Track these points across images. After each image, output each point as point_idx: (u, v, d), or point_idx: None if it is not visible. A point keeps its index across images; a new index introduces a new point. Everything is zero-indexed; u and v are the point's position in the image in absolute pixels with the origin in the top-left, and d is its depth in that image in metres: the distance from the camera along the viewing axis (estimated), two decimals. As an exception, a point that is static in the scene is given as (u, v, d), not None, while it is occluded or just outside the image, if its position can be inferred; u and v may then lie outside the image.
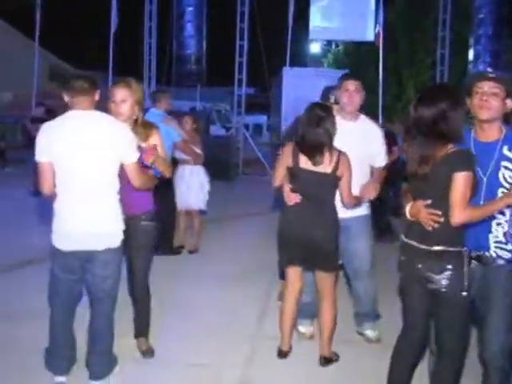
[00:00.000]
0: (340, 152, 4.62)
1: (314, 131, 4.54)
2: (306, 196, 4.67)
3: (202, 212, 8.96)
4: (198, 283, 7.03)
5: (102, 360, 4.32)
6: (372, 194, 5.12)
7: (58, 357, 4.36)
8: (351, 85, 5.12)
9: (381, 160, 5.34)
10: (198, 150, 8.42)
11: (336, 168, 4.58)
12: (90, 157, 3.99)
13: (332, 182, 4.65)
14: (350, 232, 5.12)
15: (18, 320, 5.56)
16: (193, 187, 8.55)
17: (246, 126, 24.67)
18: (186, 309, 6.14)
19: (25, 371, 4.57)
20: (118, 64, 21.28)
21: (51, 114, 14.18)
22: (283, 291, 6.06)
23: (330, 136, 4.58)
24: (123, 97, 4.51)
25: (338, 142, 4.64)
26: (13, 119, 25.87)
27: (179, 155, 8.31)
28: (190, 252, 8.66)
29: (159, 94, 8.24)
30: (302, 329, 5.47)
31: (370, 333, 5.48)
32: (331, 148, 4.60)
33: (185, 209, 8.72)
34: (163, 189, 7.37)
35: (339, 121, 4.81)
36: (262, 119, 35.31)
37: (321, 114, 4.58)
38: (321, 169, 4.57)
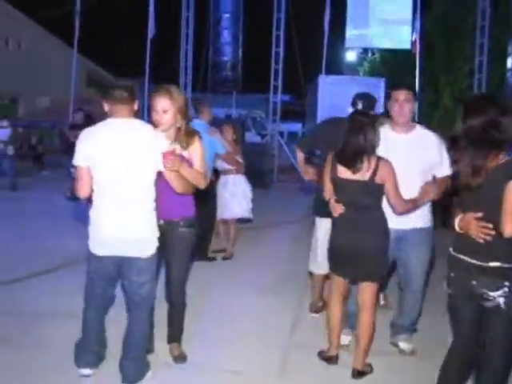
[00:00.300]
0: (379, 158, 4.52)
1: (355, 138, 4.47)
2: (349, 206, 4.59)
3: (248, 220, 9.14)
4: (232, 290, 7.00)
5: (136, 364, 4.33)
6: (429, 195, 4.75)
7: (87, 351, 4.44)
8: (401, 95, 4.90)
9: (444, 169, 4.84)
10: (240, 160, 8.49)
11: (374, 175, 4.48)
12: (127, 164, 4.03)
13: (373, 189, 4.54)
14: (407, 244, 4.99)
15: (53, 320, 5.60)
16: (236, 196, 8.63)
17: (281, 134, 24.65)
18: (220, 315, 6.13)
19: (59, 370, 4.60)
20: (155, 70, 21.43)
21: (89, 119, 14.34)
22: (316, 301, 6.02)
23: (371, 144, 4.48)
24: (164, 107, 4.42)
25: (391, 156, 4.54)
26: (50, 124, 26.24)
27: (221, 165, 8.41)
28: (224, 258, 8.65)
29: (200, 104, 8.28)
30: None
31: (404, 345, 5.29)
32: (370, 156, 4.50)
33: (229, 217, 8.74)
34: (204, 196, 7.45)
35: (389, 133, 4.76)
36: (297, 127, 35.24)
37: (363, 121, 4.52)
38: (359, 177, 4.49)
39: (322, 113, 19.09)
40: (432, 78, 27.95)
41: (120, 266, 4.20)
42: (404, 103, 4.85)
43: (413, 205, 4.71)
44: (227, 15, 21.04)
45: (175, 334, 4.93)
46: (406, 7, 20.55)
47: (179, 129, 4.52)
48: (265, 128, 22.80)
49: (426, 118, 24.58)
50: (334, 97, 19.73)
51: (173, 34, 23.61)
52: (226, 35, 21.21)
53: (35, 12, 29.68)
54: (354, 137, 4.48)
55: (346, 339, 5.25)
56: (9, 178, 15.43)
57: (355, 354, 4.79)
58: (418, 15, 20.24)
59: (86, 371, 4.42)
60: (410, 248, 5.00)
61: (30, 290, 6.66)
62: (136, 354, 4.35)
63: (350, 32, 21.11)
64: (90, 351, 4.44)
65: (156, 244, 4.26)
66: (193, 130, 4.62)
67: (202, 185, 4.52)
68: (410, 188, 4.64)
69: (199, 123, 7.66)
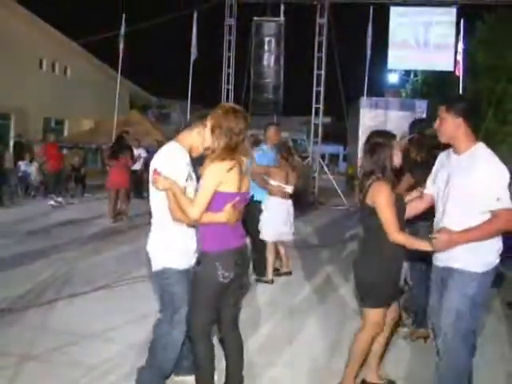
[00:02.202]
0: (378, 178, 4.32)
1: (366, 159, 4.39)
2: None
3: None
4: (271, 310, 6.96)
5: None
6: (440, 245, 4.02)
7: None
8: (438, 110, 4.30)
9: (491, 202, 3.92)
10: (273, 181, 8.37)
11: (365, 195, 4.34)
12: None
13: (364, 211, 4.40)
14: (443, 285, 4.23)
15: (91, 342, 5.63)
16: (282, 218, 8.48)
17: (322, 156, 24.61)
18: (259, 335, 6.06)
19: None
20: (197, 93, 21.65)
21: (120, 141, 14.64)
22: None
23: (382, 164, 4.33)
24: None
25: (441, 178, 4.30)
26: (93, 146, 26.68)
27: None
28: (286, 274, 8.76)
29: (266, 128, 8.78)
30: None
31: None
32: (379, 176, 4.33)
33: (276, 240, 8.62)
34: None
35: (449, 154, 4.33)
36: (339, 149, 35.17)
37: (376, 141, 4.39)
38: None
39: (364, 135, 19.03)
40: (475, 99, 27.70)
41: None
42: (439, 120, 4.20)
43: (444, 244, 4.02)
44: (269, 38, 21.16)
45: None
46: (450, 29, 20.43)
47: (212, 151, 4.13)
48: (306, 150, 22.76)
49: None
50: (375, 118, 19.69)
51: (215, 56, 23.88)
52: (268, 58, 21.31)
53: (81, 37, 30.29)
54: (367, 157, 4.40)
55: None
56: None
57: None
58: (461, 37, 20.10)
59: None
60: (444, 290, 4.23)
61: (68, 308, 6.72)
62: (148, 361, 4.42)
63: (392, 54, 21.06)
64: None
65: (160, 262, 4.27)
66: (212, 155, 4.05)
67: (184, 218, 4.06)
68: (448, 214, 4.14)
69: (262, 147, 8.32)
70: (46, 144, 18.39)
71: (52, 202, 16.51)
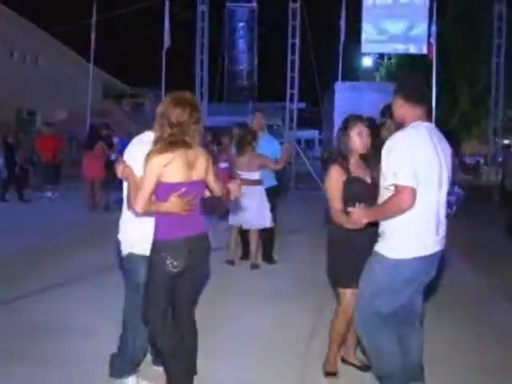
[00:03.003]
0: (333, 162, 4.64)
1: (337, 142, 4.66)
2: None
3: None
4: (250, 297, 6.96)
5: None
6: (352, 221, 4.06)
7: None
8: None
9: (389, 176, 3.83)
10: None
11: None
12: None
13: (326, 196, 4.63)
14: None
15: (71, 333, 5.59)
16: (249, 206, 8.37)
17: (298, 141, 24.63)
18: (239, 323, 6.07)
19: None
20: (171, 81, 21.53)
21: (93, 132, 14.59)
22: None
23: (338, 148, 4.62)
24: None
25: None
26: (66, 136, 26.37)
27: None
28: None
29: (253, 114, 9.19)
30: None
31: None
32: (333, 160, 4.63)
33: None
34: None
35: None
36: (314, 134, 35.20)
37: (340, 126, 4.64)
38: None
39: (339, 119, 19.03)
40: (448, 81, 27.85)
41: None
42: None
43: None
44: (242, 24, 21.10)
45: None
46: (422, 12, 20.48)
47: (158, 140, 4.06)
48: (281, 136, 22.75)
49: (443, 122, 24.48)
50: (350, 103, 19.69)
51: (188, 44, 23.74)
52: (242, 44, 21.28)
53: (52, 26, 29.94)
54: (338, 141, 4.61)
55: None
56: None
57: None
58: (434, 20, 20.17)
59: None
60: None
61: (39, 304, 6.65)
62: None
63: (366, 37, 21.07)
64: None
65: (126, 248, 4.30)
66: (155, 146, 3.96)
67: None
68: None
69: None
70: (41, 135, 17.84)
71: (50, 194, 16.49)
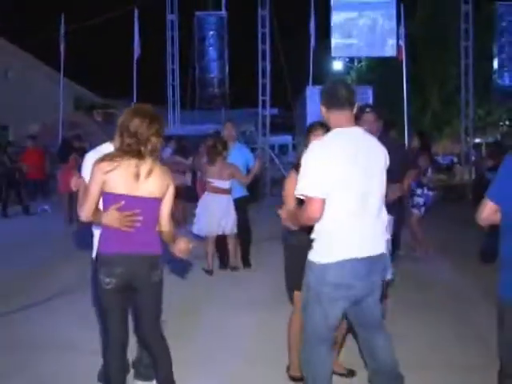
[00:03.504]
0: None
1: None
2: None
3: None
4: (228, 307, 6.95)
5: None
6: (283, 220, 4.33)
7: None
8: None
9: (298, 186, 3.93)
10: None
11: None
12: None
13: None
14: None
15: (49, 351, 5.54)
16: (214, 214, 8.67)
17: (272, 147, 24.68)
18: (219, 334, 6.05)
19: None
20: (142, 91, 21.48)
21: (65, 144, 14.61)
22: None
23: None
24: None
25: None
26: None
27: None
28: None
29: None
30: None
31: None
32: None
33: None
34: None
35: None
36: (287, 139, 35.26)
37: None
38: None
39: (312, 124, 19.09)
40: (419, 83, 28.08)
41: None
42: None
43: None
44: (212, 32, 21.12)
45: None
46: (390, 14, 20.63)
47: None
48: (255, 142, 22.78)
49: (415, 123, 24.66)
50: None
51: (158, 53, 23.70)
52: (212, 52, 21.28)
53: (20, 39, 29.73)
54: None
55: None
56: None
57: None
58: (402, 22, 20.33)
59: None
60: None
61: (25, 321, 6.59)
62: None
63: (336, 41, 21.16)
64: None
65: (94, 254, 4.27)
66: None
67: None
68: None
69: None
70: (26, 149, 17.54)
71: (46, 207, 16.44)
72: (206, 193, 8.73)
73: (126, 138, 3.78)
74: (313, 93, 20.25)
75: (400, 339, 4.91)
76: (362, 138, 3.91)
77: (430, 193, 9.80)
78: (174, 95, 23.05)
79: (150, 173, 3.77)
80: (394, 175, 4.39)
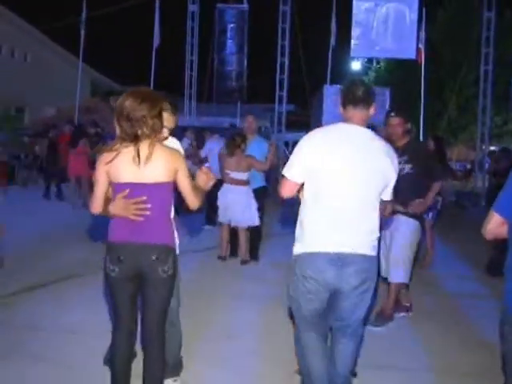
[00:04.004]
0: None
1: None
2: None
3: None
4: (232, 303, 6.93)
5: None
6: None
7: None
8: None
9: None
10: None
11: None
12: None
13: None
14: None
15: (56, 334, 5.55)
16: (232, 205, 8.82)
17: (286, 143, 24.64)
18: (223, 330, 6.03)
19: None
20: (160, 80, 21.48)
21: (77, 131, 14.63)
22: None
23: None
24: None
25: None
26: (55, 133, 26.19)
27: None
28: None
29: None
30: None
31: None
32: None
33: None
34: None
35: None
36: (302, 136, 35.28)
37: None
38: None
39: (327, 122, 18.97)
40: (437, 86, 27.93)
41: None
42: None
43: None
44: (232, 25, 21.09)
45: None
46: (412, 17, 20.53)
47: None
48: (270, 138, 22.72)
49: (431, 126, 24.54)
50: (338, 106, 19.70)
51: (178, 44, 23.69)
52: (231, 45, 21.25)
53: (41, 22, 29.82)
54: None
55: None
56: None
57: None
58: (423, 26, 20.23)
59: None
60: None
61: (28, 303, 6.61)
62: None
63: (355, 42, 21.09)
64: None
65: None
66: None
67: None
68: None
69: None
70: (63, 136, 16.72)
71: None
72: (224, 184, 8.86)
73: (122, 123, 3.61)
74: (330, 92, 20.20)
75: (407, 343, 4.88)
76: (363, 138, 3.84)
77: (439, 198, 9.69)
78: (191, 86, 23.01)
79: (149, 156, 3.57)
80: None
